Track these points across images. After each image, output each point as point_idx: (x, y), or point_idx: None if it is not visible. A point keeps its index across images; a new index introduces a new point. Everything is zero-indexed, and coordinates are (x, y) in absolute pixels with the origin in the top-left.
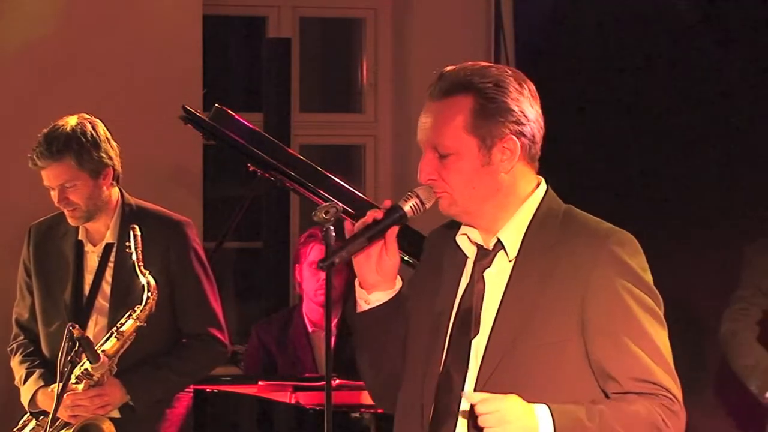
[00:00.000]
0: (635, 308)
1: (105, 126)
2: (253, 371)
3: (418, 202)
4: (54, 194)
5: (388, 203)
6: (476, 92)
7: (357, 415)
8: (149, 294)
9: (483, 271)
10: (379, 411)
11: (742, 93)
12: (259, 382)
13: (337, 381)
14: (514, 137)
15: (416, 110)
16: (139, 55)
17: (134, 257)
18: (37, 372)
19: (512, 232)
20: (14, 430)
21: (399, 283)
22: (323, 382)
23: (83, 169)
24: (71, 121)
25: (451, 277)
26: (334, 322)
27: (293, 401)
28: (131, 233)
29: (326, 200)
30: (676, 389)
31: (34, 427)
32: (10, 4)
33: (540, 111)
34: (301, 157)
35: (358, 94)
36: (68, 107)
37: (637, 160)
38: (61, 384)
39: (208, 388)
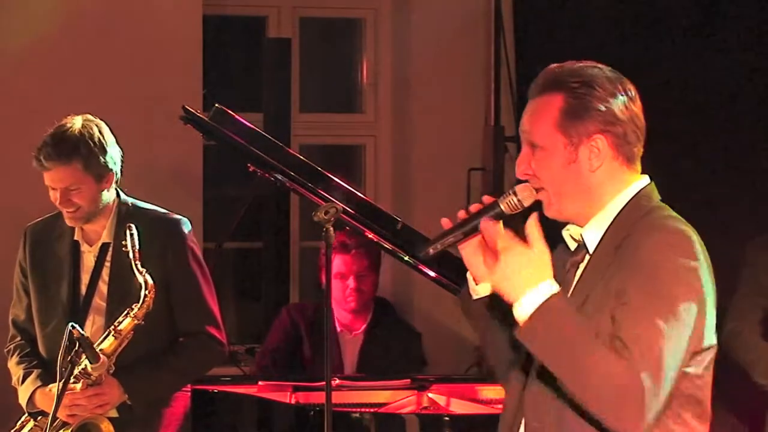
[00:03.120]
0: (648, 294)
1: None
2: (275, 345)
3: (515, 200)
4: (56, 195)
5: (487, 199)
6: (566, 91)
7: (357, 415)
8: (146, 292)
9: (576, 267)
10: (379, 411)
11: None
12: (259, 382)
13: (337, 381)
14: (601, 137)
15: (416, 110)
16: (139, 55)
17: (131, 256)
18: (35, 372)
19: (594, 230)
20: (12, 430)
21: None
22: (323, 382)
23: (89, 174)
24: (77, 123)
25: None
26: (363, 327)
27: (293, 401)
28: (127, 232)
29: (326, 200)
30: (650, 366)
31: (32, 428)
32: (11, 4)
33: (639, 112)
34: (301, 157)
35: (358, 94)
36: (68, 107)
37: None
38: (60, 384)
39: (208, 388)
